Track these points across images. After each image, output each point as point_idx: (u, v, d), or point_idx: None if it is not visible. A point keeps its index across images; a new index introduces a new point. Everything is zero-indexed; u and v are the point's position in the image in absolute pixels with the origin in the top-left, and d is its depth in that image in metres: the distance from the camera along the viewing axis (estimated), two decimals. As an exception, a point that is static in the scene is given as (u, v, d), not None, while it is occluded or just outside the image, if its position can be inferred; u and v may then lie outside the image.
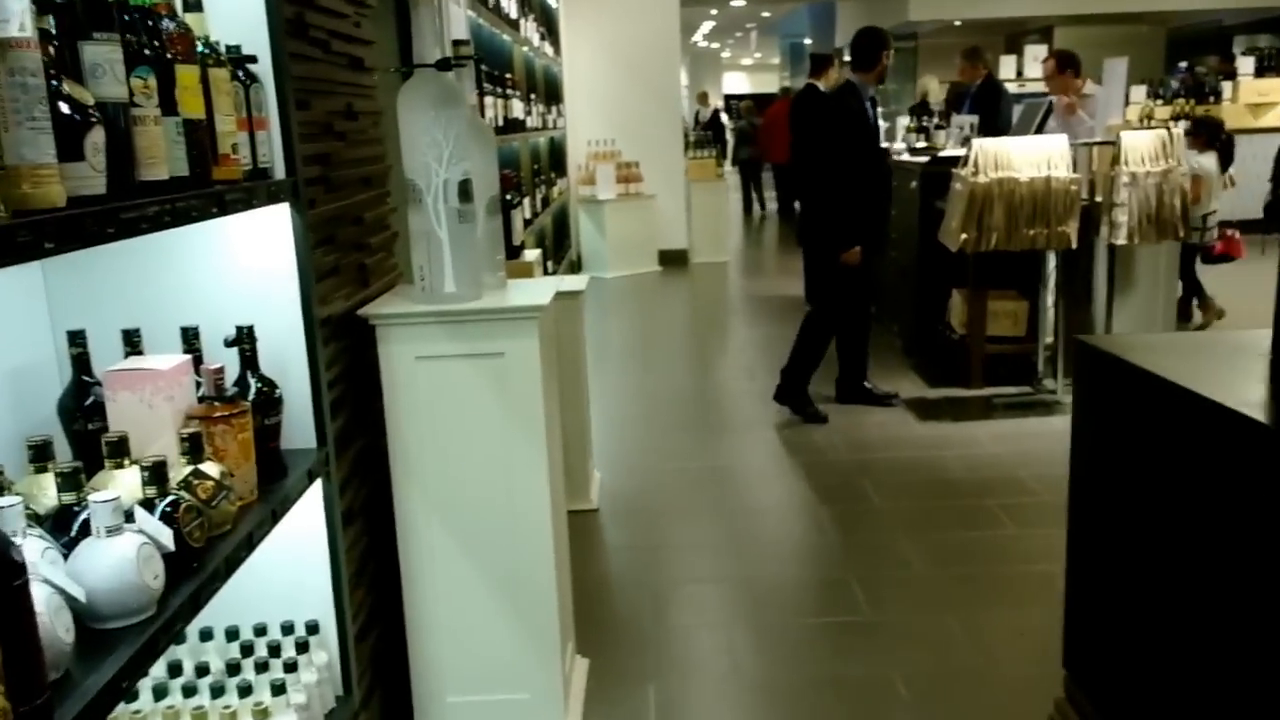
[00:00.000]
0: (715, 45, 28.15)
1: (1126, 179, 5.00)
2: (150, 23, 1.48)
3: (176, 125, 1.52)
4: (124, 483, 1.53)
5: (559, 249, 9.22)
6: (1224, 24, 14.31)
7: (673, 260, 11.02)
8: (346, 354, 2.39)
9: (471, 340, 2.43)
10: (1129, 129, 5.53)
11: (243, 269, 1.99)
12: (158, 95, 1.44)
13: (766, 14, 20.36)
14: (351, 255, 2.49)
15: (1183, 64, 12.29)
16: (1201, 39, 13.97)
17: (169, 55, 1.52)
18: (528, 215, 6.91)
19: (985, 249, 5.15)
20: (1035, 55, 11.58)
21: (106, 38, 1.32)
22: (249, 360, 1.88)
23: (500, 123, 5.30)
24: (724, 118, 20.17)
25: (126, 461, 1.57)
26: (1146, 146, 5.04)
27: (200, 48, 1.67)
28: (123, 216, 1.29)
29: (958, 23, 14.57)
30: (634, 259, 10.65)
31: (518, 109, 6.16)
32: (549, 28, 9.05)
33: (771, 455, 4.84)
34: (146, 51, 1.43)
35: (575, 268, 10.63)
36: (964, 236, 5.13)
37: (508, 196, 3.72)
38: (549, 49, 8.80)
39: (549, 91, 8.85)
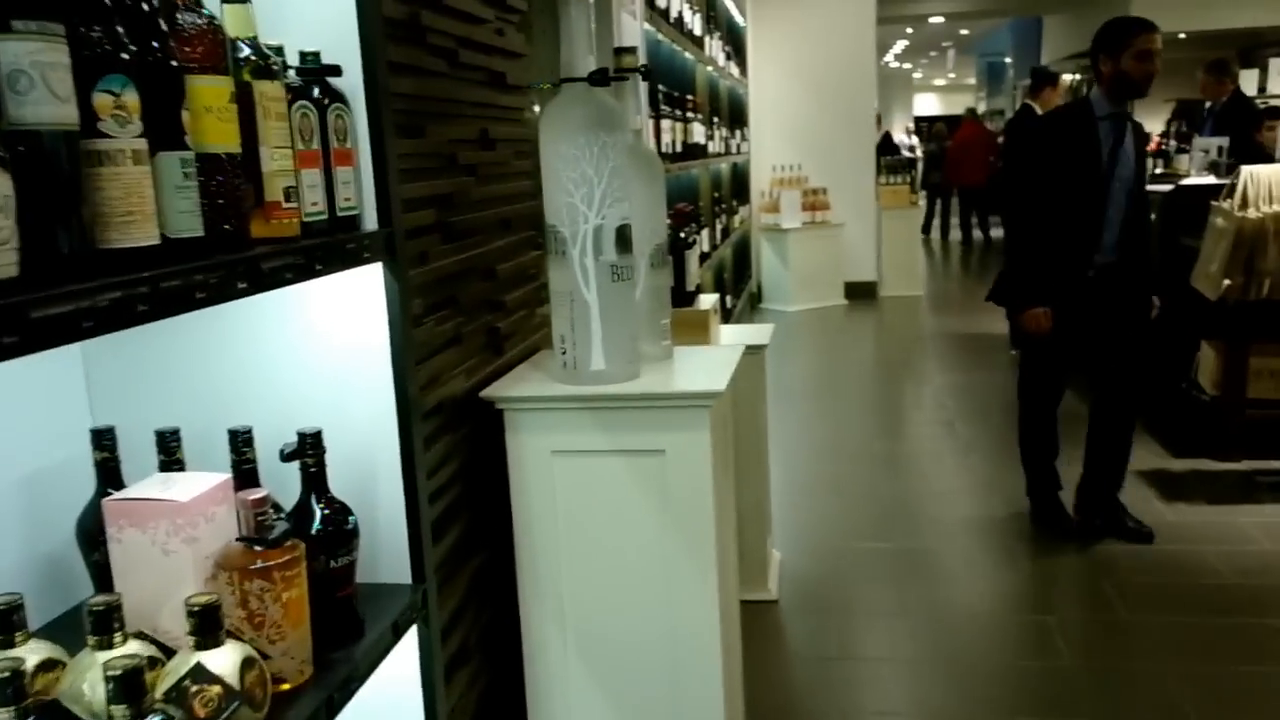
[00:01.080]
0: (907, 66, 27.02)
1: None
2: (142, 11, 1.00)
3: (184, 162, 1.03)
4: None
5: (739, 282, 8.66)
6: None
7: (860, 293, 10.27)
8: (467, 445, 1.89)
9: (625, 433, 1.89)
10: None
11: (323, 346, 1.51)
12: (146, 119, 0.96)
13: (965, 31, 19.26)
14: (480, 319, 1.99)
15: None
16: None
17: (176, 61, 1.03)
18: (705, 248, 6.38)
19: (1254, 297, 4.27)
20: (1282, 69, 10.24)
21: (36, 30, 0.84)
22: (313, 479, 1.38)
23: (678, 148, 4.78)
24: (904, 139, 19.14)
25: (119, 639, 1.10)
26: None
27: (245, 52, 1.19)
28: (34, 315, 0.79)
29: (1182, 35, 13.20)
30: (819, 291, 9.97)
31: (699, 133, 5.64)
32: (735, 47, 8.53)
33: (981, 535, 4.11)
34: (125, 55, 0.94)
35: (755, 300, 10.05)
36: (1227, 282, 4.27)
37: (682, 234, 3.18)
38: (735, 69, 8.27)
39: (733, 114, 8.32)
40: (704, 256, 6.43)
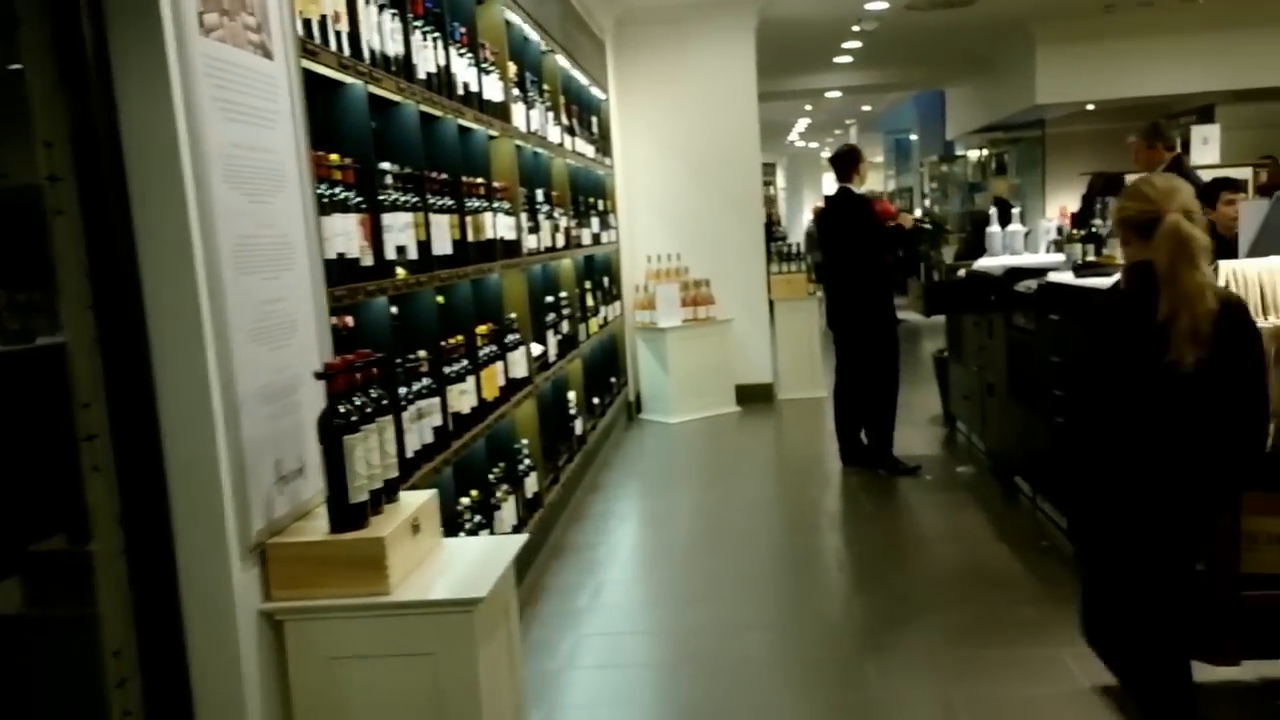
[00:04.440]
0: (815, 144, 26.36)
1: None
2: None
3: None
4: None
5: (604, 395, 7.25)
6: None
7: (755, 397, 8.93)
8: None
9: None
10: None
11: None
12: None
13: (867, 107, 18.49)
14: None
15: None
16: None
17: None
18: (552, 357, 4.99)
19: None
20: (1205, 137, 9.32)
21: None
22: None
23: (436, 249, 3.39)
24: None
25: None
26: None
27: None
28: None
29: (1090, 106, 12.43)
30: (706, 398, 8.61)
31: (501, 226, 4.28)
32: (588, 122, 7.25)
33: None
34: None
35: (634, 411, 8.66)
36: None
37: (343, 409, 1.78)
38: (586, 148, 6.97)
39: (586, 199, 7.00)
40: (543, 366, 5.04)
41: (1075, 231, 5.34)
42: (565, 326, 5.81)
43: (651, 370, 8.68)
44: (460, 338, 3.70)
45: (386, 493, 2.16)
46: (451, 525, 3.58)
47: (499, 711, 2.13)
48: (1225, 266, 3.07)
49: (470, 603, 1.98)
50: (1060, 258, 5.45)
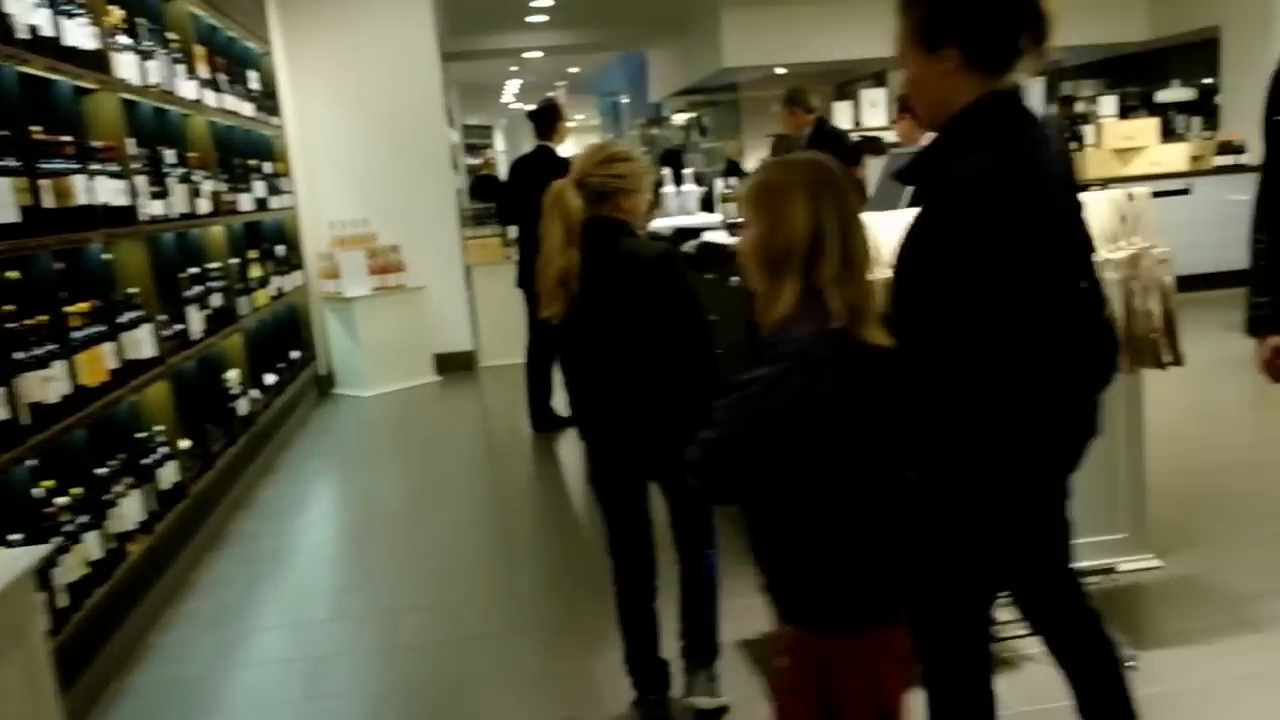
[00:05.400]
0: (532, 106, 26.15)
1: (1073, 272, 3.02)
2: None
3: None
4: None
5: (283, 370, 6.80)
6: (1064, 64, 13.11)
7: (456, 365, 8.72)
8: None
9: None
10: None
11: None
12: None
13: (574, 69, 18.49)
14: None
15: (1051, 106, 10.82)
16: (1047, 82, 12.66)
17: None
18: (196, 335, 4.59)
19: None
20: (873, 101, 9.87)
21: None
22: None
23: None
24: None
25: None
26: (1097, 219, 3.09)
27: None
28: None
29: (780, 70, 12.92)
30: (403, 368, 8.30)
31: (107, 190, 3.81)
32: (243, 76, 6.72)
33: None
34: None
35: (326, 386, 8.22)
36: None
37: None
38: (242, 105, 6.45)
39: (244, 160, 6.50)
40: (182, 344, 4.60)
41: (727, 190, 5.44)
42: (217, 300, 5.35)
43: (342, 342, 8.27)
44: (44, 318, 3.26)
45: None
46: (42, 530, 3.16)
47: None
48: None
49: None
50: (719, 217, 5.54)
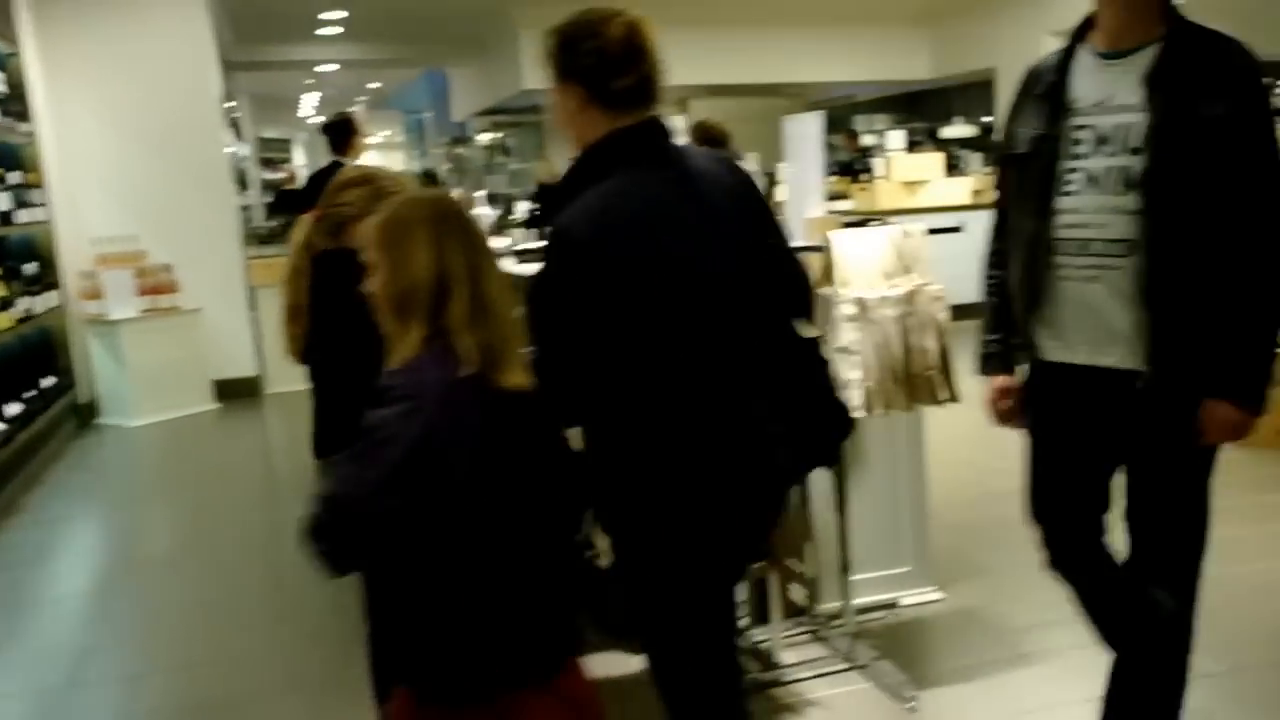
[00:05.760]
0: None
1: (851, 310, 3.01)
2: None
3: None
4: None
5: (30, 400, 6.15)
6: (857, 99, 13.67)
7: (238, 392, 8.17)
8: None
9: None
10: (832, 225, 3.61)
11: None
12: None
13: (375, 84, 17.95)
14: None
15: (834, 139, 11.20)
16: (839, 115, 13.15)
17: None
18: None
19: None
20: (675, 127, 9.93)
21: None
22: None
23: None
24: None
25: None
26: (875, 256, 3.09)
27: None
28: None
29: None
30: (175, 396, 7.70)
31: None
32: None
33: None
34: None
35: (88, 416, 7.52)
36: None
37: None
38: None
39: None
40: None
41: (513, 218, 5.27)
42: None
43: (106, 368, 7.60)
44: None
45: None
46: None
47: None
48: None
49: None
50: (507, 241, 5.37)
